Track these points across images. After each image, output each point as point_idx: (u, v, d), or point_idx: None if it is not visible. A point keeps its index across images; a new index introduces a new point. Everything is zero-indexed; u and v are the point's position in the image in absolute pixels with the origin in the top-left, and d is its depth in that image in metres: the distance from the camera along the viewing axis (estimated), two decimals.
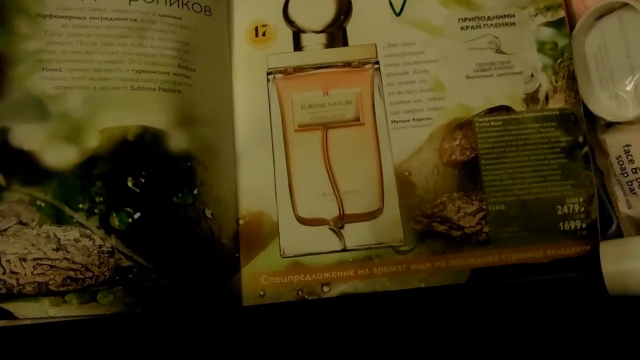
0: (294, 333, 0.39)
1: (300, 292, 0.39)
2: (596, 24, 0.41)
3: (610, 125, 0.41)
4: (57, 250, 0.36)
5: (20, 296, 0.36)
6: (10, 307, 0.36)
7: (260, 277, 0.39)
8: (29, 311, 0.36)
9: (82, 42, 0.39)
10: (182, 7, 0.42)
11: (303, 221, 0.40)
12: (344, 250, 0.40)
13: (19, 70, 0.38)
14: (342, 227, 0.40)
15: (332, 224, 0.40)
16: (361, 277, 0.39)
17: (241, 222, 0.40)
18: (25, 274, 0.36)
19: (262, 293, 0.39)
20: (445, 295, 0.39)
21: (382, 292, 0.39)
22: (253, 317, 0.39)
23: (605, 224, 0.40)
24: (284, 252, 0.40)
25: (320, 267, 0.39)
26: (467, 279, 0.39)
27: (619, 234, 0.40)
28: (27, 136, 0.37)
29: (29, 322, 0.36)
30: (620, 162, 0.40)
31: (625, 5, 0.39)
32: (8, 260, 0.36)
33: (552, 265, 0.39)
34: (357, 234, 0.40)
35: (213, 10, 0.43)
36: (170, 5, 0.41)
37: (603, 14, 0.41)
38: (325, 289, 0.39)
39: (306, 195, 0.41)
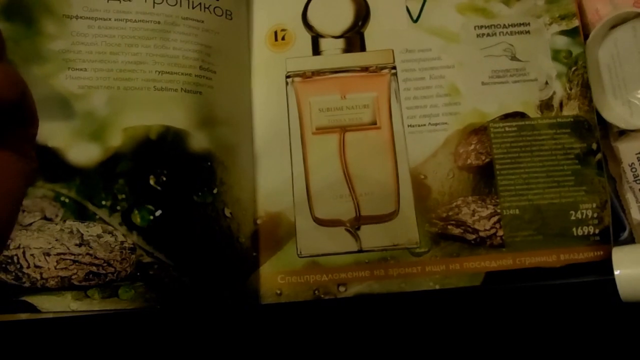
0: (310, 332, 0.40)
1: (316, 292, 0.40)
2: (610, 33, 0.42)
3: (623, 133, 0.42)
4: (80, 245, 0.37)
5: (44, 290, 0.37)
6: (34, 300, 0.36)
7: (277, 276, 0.40)
8: (51, 305, 0.36)
9: (107, 43, 0.40)
10: (204, 10, 0.42)
11: (320, 222, 0.41)
12: (360, 251, 0.40)
13: (45, 69, 0.39)
14: (358, 229, 0.41)
15: (348, 225, 0.41)
16: (377, 278, 0.40)
17: (259, 222, 0.41)
18: (49, 268, 0.37)
19: (279, 292, 0.40)
20: (459, 297, 0.40)
21: (397, 293, 0.40)
22: (270, 315, 0.40)
23: (617, 230, 0.41)
24: (300, 252, 0.40)
25: (337, 267, 0.40)
26: (481, 281, 0.40)
27: (631, 240, 0.41)
28: (52, 133, 0.38)
29: (51, 315, 0.37)
30: (633, 169, 0.40)
31: (639, 15, 0.40)
32: (32, 255, 0.36)
33: (565, 269, 0.40)
34: (373, 236, 0.40)
35: (234, 14, 0.44)
36: (193, 8, 0.42)
37: (617, 23, 0.42)
38: (341, 289, 0.40)
39: (323, 196, 0.41)
